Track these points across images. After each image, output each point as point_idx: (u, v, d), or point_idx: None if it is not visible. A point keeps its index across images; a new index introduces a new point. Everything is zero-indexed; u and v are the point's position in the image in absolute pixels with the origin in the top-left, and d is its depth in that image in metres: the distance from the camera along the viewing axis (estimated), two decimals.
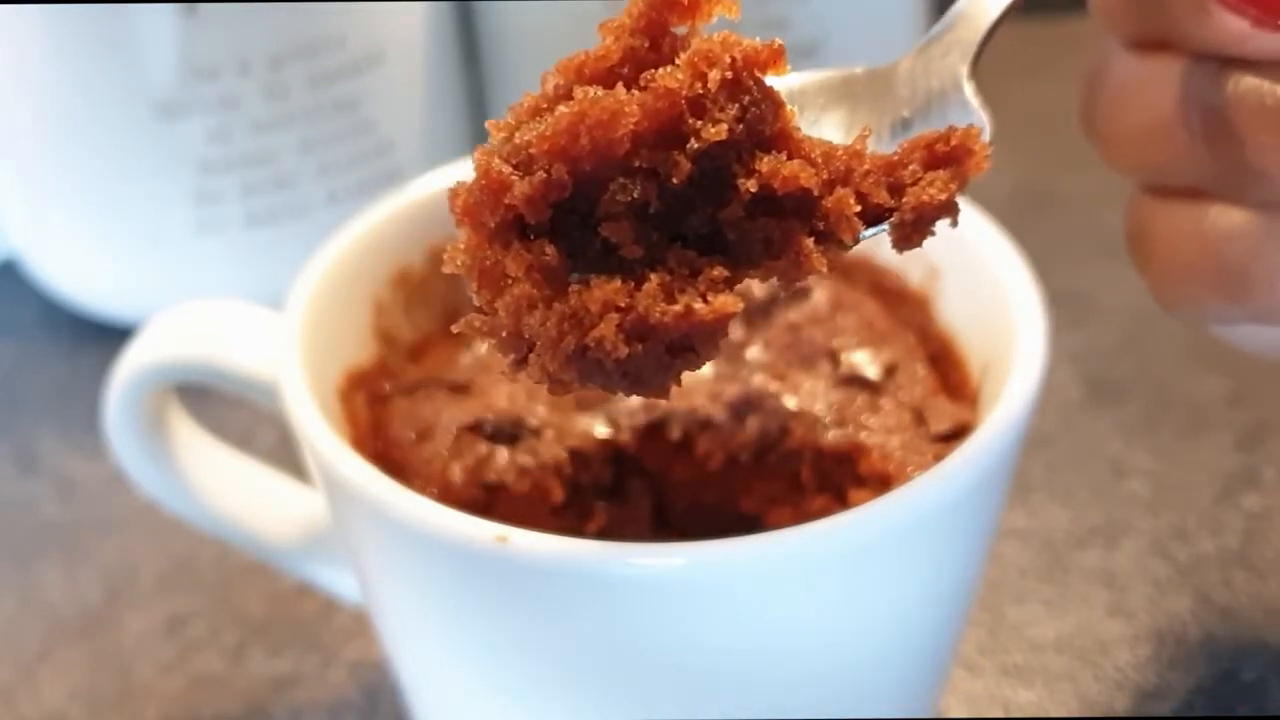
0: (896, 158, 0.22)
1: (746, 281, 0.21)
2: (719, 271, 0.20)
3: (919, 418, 0.30)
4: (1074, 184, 0.54)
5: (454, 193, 0.21)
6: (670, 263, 0.20)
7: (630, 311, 0.20)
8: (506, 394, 0.31)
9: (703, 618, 0.25)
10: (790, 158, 0.21)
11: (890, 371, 0.32)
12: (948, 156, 0.22)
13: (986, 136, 0.22)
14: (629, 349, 0.20)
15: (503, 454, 0.30)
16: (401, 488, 0.26)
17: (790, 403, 0.31)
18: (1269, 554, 0.39)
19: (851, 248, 0.21)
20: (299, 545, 0.35)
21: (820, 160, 0.21)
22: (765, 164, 0.20)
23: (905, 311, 0.34)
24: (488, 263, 0.20)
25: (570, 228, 0.20)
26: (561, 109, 0.20)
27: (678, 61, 0.21)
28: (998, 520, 0.29)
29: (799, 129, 0.21)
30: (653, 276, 0.20)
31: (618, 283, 0.20)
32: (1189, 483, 0.42)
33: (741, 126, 0.20)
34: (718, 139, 0.20)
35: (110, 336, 0.46)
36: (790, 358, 0.32)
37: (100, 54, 0.45)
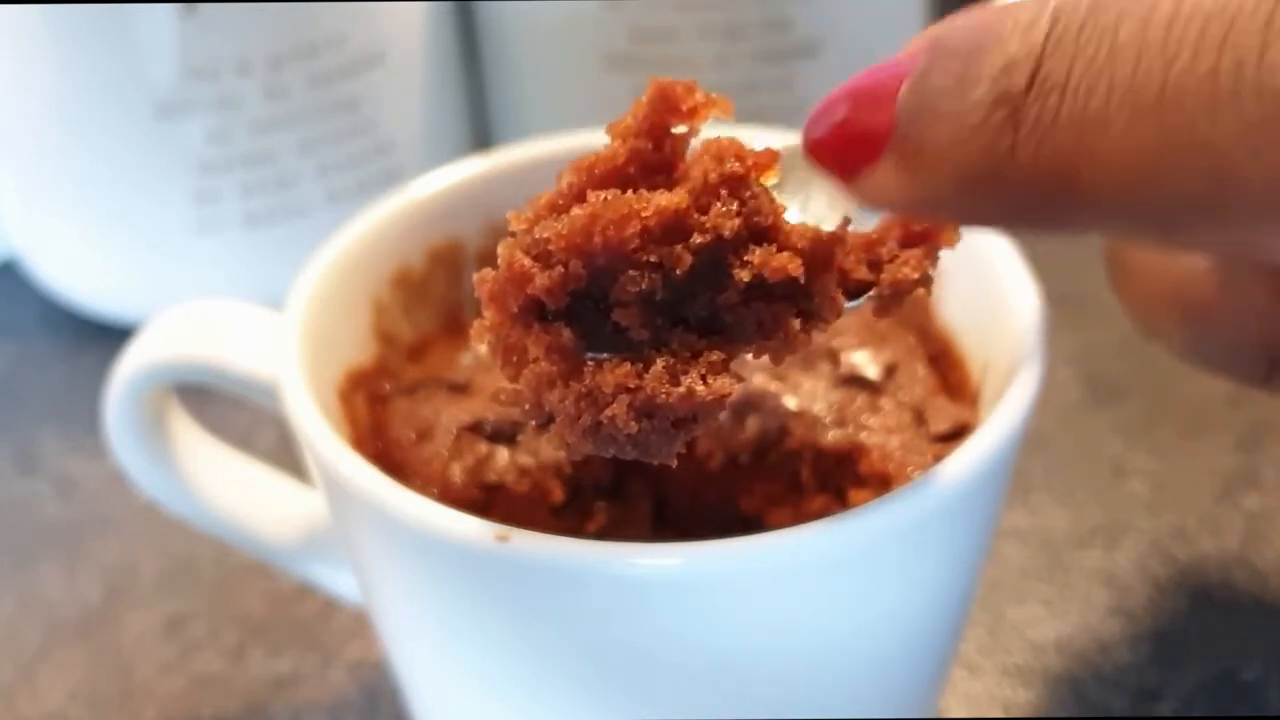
0: (875, 236, 0.25)
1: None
2: (717, 355, 0.23)
3: (919, 418, 0.30)
4: None
5: (481, 279, 0.23)
6: (674, 345, 0.23)
7: (639, 392, 0.23)
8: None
9: (703, 618, 0.25)
10: (780, 249, 0.23)
11: (890, 371, 0.32)
12: (921, 235, 0.24)
13: None
14: (638, 425, 0.23)
15: (503, 454, 0.30)
16: (401, 488, 0.26)
17: (790, 403, 0.31)
18: (1269, 554, 0.39)
19: (834, 322, 0.24)
20: (299, 545, 0.35)
21: (807, 248, 0.23)
22: (758, 256, 0.23)
23: (905, 311, 0.33)
24: (510, 341, 0.23)
25: (584, 310, 0.23)
26: (577, 210, 0.23)
27: (687, 160, 0.24)
28: (998, 520, 0.29)
29: (788, 221, 0.24)
30: (658, 360, 0.23)
31: (627, 366, 0.23)
32: (1189, 483, 0.42)
33: (739, 223, 0.23)
34: (723, 234, 0.23)
35: (110, 336, 0.46)
36: (791, 357, 0.32)
37: (100, 54, 0.45)
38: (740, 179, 0.23)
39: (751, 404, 0.31)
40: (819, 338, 0.32)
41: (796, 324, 0.23)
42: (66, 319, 0.53)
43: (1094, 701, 0.36)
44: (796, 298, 0.23)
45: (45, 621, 0.40)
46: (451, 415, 0.31)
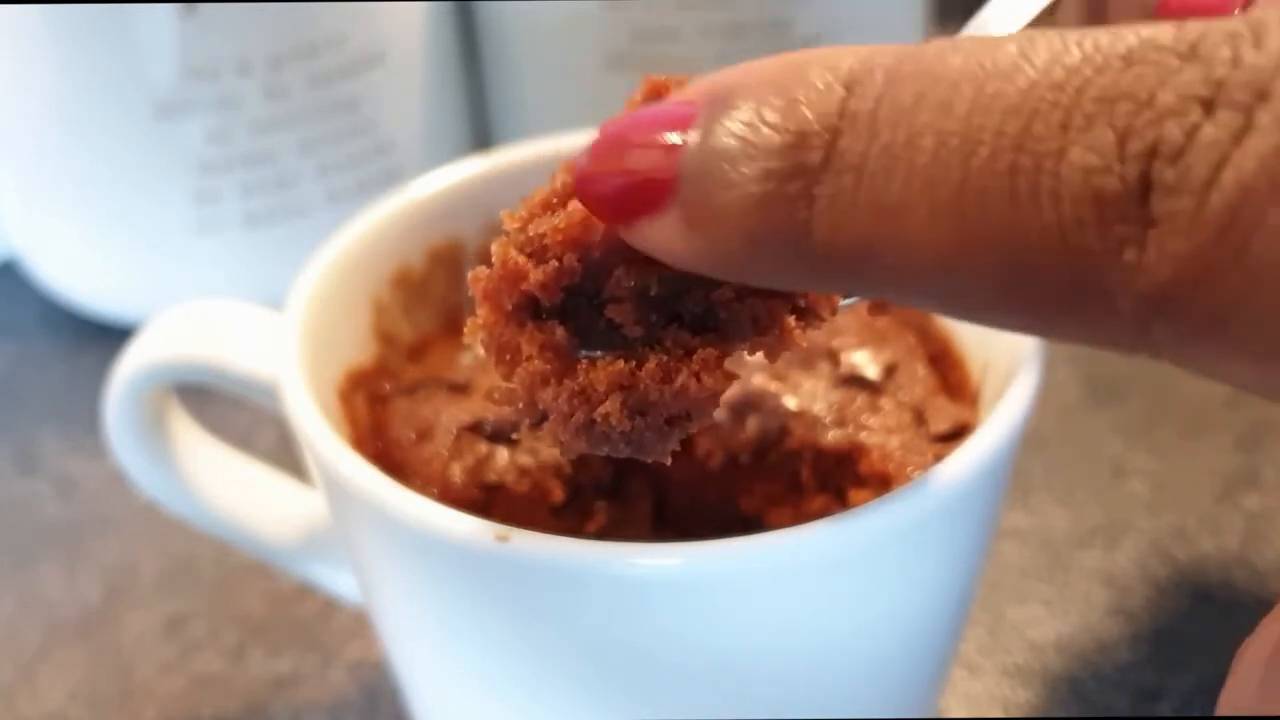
0: None
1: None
2: (710, 352, 0.23)
3: (919, 418, 0.30)
4: None
5: (475, 277, 0.23)
6: (668, 342, 0.23)
7: (632, 390, 0.22)
8: None
9: (703, 618, 0.25)
10: None
11: (890, 371, 0.32)
12: None
13: None
14: (631, 423, 0.22)
15: (503, 454, 0.30)
16: (401, 488, 0.26)
17: (790, 403, 0.31)
18: (1269, 554, 0.39)
19: (829, 319, 0.24)
20: (299, 545, 0.35)
21: None
22: None
23: (905, 311, 0.34)
24: (504, 339, 0.23)
25: (578, 308, 0.23)
26: (573, 205, 0.22)
27: None
28: (998, 520, 0.29)
29: None
30: (652, 357, 0.23)
31: (620, 364, 0.23)
32: (1189, 483, 0.42)
33: None
34: None
35: (110, 336, 0.46)
36: (790, 358, 0.32)
37: (100, 54, 0.45)
38: None
39: (751, 404, 0.31)
40: (816, 336, 0.32)
41: (792, 321, 0.23)
42: (66, 319, 0.53)
43: (1094, 701, 0.36)
44: (792, 295, 0.23)
45: (45, 621, 0.40)
46: (451, 415, 0.31)
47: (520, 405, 0.23)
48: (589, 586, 0.25)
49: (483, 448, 0.30)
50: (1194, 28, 0.16)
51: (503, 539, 0.24)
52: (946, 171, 0.17)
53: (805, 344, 0.24)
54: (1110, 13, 0.27)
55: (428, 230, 0.34)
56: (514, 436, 0.31)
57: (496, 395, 0.24)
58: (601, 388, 0.22)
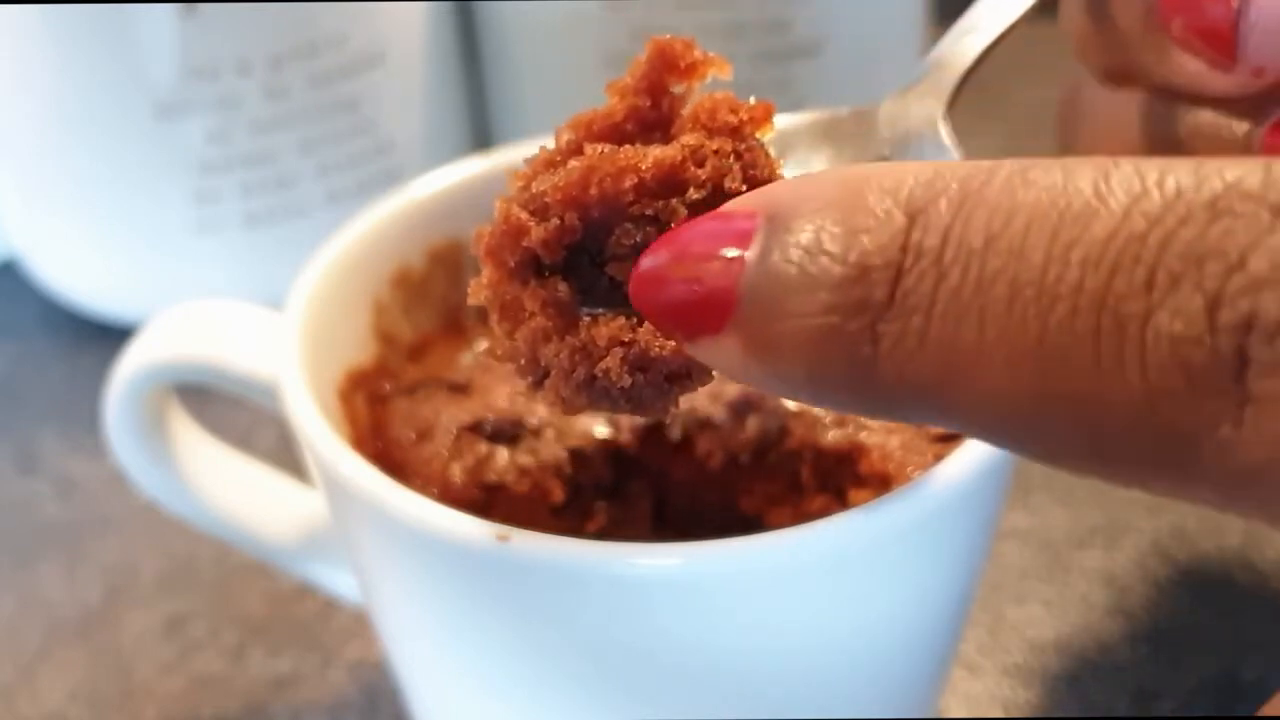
0: None
1: None
2: None
3: None
4: None
5: (478, 235, 0.23)
6: None
7: (633, 345, 0.22)
8: (506, 394, 0.31)
9: (703, 618, 0.25)
10: None
11: None
12: None
13: None
14: (632, 379, 0.22)
15: (503, 454, 0.30)
16: (401, 488, 0.26)
17: (790, 403, 0.31)
18: (1269, 554, 0.39)
19: None
20: (299, 545, 0.35)
21: None
22: None
23: None
24: (508, 298, 0.23)
25: (580, 266, 0.23)
26: (574, 163, 0.22)
27: (683, 115, 0.24)
28: (998, 520, 0.29)
29: (783, 179, 0.23)
30: None
31: (622, 320, 0.23)
32: None
33: (737, 174, 0.23)
34: (729, 188, 0.23)
35: (110, 336, 0.46)
36: None
37: (100, 54, 0.45)
38: (736, 130, 0.23)
39: (751, 404, 0.31)
40: None
41: None
42: (66, 319, 0.53)
43: (1094, 701, 0.36)
44: None
45: (45, 621, 0.40)
46: (451, 415, 0.31)
47: (522, 362, 0.23)
48: (589, 586, 0.25)
49: (483, 448, 0.30)
50: (1276, 173, 0.15)
51: (503, 539, 0.24)
52: (1023, 325, 0.16)
53: None
54: (1112, 7, 0.27)
55: (428, 230, 0.34)
56: (518, 439, 0.31)
57: (499, 352, 0.24)
58: (603, 344, 0.22)
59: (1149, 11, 0.26)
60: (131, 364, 0.32)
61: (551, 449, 0.30)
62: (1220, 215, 0.15)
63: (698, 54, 0.24)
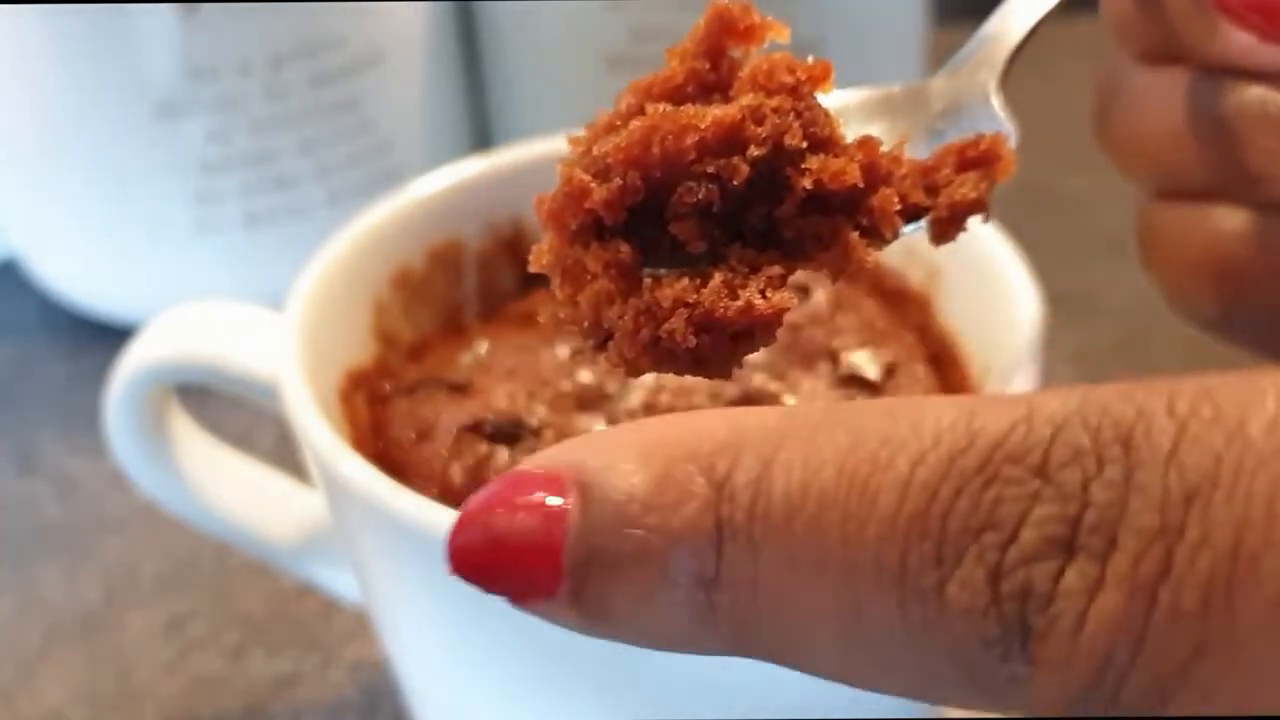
0: (931, 162, 0.24)
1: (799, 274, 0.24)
2: (775, 269, 0.23)
3: None
4: (1074, 184, 0.53)
5: (539, 200, 0.23)
6: (732, 259, 0.23)
7: (698, 306, 0.22)
8: (506, 394, 0.31)
9: None
10: (833, 150, 0.23)
11: (890, 371, 0.32)
12: (977, 159, 0.24)
13: (1013, 143, 0.24)
14: (697, 340, 0.22)
15: (503, 454, 0.30)
16: (401, 488, 0.26)
17: (790, 403, 0.31)
18: None
19: (892, 242, 0.23)
20: (299, 545, 0.35)
21: (865, 160, 0.23)
22: (815, 163, 0.23)
23: (905, 311, 0.34)
24: (570, 261, 0.23)
25: (642, 227, 0.23)
26: (635, 123, 0.22)
27: (741, 76, 0.24)
28: None
29: (844, 137, 0.24)
30: (716, 274, 0.23)
31: (685, 281, 0.23)
32: None
33: (798, 130, 0.23)
34: (789, 145, 0.23)
35: (110, 336, 0.46)
36: (790, 358, 0.32)
37: (100, 54, 0.45)
38: (795, 89, 0.23)
39: (751, 404, 0.31)
40: (815, 335, 0.32)
41: (855, 236, 0.23)
42: (66, 319, 0.53)
43: None
44: (854, 213, 0.23)
45: (45, 621, 0.40)
46: (451, 415, 0.31)
47: (586, 324, 0.23)
48: None
49: (483, 448, 0.30)
50: (1037, 432, 0.16)
51: None
52: (837, 604, 0.17)
53: (870, 262, 0.23)
54: None
55: (428, 230, 0.34)
56: (518, 439, 0.31)
57: (562, 314, 0.24)
58: (666, 305, 0.22)
59: None
60: (131, 364, 0.32)
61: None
62: (990, 483, 0.16)
63: (756, 18, 0.24)
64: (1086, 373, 0.46)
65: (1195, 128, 0.27)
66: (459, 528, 0.19)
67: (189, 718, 0.37)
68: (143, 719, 0.37)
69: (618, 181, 0.22)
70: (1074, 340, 0.47)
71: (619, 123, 0.23)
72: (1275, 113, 0.26)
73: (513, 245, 0.35)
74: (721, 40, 0.24)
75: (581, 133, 0.24)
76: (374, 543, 0.28)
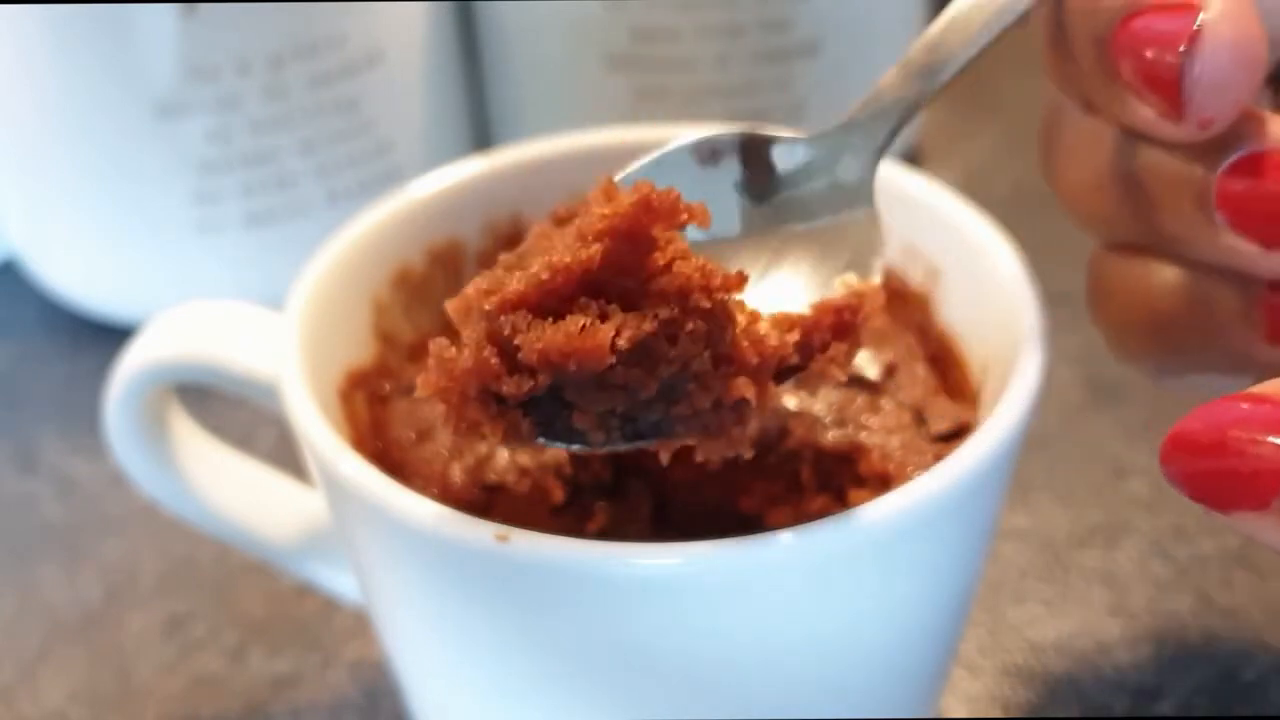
0: (811, 319, 0.26)
1: None
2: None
3: (919, 418, 0.30)
4: None
5: (440, 354, 0.24)
6: (622, 449, 0.25)
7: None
8: None
9: (702, 618, 0.25)
10: (735, 367, 0.24)
11: (890, 371, 0.32)
12: (847, 326, 0.26)
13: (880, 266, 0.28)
14: None
15: (503, 454, 0.30)
16: (401, 488, 0.26)
17: (790, 403, 0.31)
18: (1269, 554, 0.39)
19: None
20: (299, 545, 0.35)
21: (757, 366, 0.25)
22: (717, 385, 0.24)
23: (905, 311, 0.34)
24: (464, 412, 0.24)
25: (542, 400, 0.24)
26: (555, 335, 0.23)
27: (658, 268, 0.24)
28: (998, 520, 0.29)
29: (739, 336, 0.25)
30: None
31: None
32: None
33: (707, 358, 0.24)
34: (695, 369, 0.24)
35: (110, 336, 0.46)
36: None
37: (100, 54, 0.45)
38: (708, 314, 0.24)
39: None
40: None
41: (739, 431, 0.25)
42: (66, 319, 0.53)
43: (1094, 701, 0.36)
44: (742, 409, 0.25)
45: (45, 621, 0.40)
46: None
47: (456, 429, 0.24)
48: (589, 586, 0.25)
49: (483, 448, 0.30)
50: None
51: (503, 539, 0.24)
52: None
53: (749, 452, 0.25)
54: (1072, 45, 0.27)
55: (428, 230, 0.34)
56: None
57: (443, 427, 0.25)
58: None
59: (1102, 54, 0.25)
60: (131, 364, 0.32)
61: (552, 449, 0.30)
62: None
63: (680, 208, 0.24)
64: (1087, 373, 0.46)
65: (1121, 181, 0.27)
66: (1185, 423, 0.22)
67: (189, 718, 0.37)
68: (143, 719, 0.37)
69: (530, 380, 0.23)
70: (1074, 340, 0.47)
71: (533, 296, 0.24)
72: (1183, 180, 0.25)
73: (512, 245, 0.35)
74: (645, 225, 0.24)
75: (491, 282, 0.24)
76: (374, 543, 0.28)
